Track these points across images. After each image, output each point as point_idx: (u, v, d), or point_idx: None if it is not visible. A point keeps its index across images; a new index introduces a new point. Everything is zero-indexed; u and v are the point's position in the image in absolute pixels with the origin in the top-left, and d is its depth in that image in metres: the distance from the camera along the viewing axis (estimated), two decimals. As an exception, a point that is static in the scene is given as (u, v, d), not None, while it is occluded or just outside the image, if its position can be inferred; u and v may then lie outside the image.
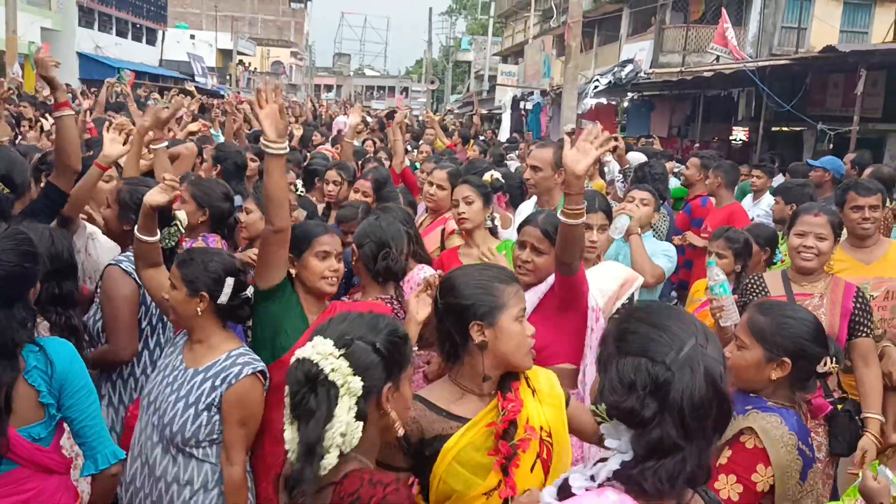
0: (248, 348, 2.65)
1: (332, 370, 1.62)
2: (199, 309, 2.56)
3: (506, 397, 2.08)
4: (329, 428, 1.60)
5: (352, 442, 1.62)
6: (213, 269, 2.58)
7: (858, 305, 3.39)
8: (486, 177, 4.98)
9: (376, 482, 1.61)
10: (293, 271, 2.72)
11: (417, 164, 8.33)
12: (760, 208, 7.09)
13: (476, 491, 2.03)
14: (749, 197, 7.41)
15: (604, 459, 1.50)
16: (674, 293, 5.37)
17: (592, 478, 1.48)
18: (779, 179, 9.05)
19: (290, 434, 1.66)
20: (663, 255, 4.29)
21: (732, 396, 2.38)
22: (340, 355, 1.65)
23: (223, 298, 2.58)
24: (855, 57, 10.72)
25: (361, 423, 1.63)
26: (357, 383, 1.63)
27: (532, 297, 2.90)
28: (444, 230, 4.43)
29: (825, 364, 2.44)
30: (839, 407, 3.22)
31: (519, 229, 3.20)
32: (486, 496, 2.04)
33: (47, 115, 10.84)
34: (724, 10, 16.48)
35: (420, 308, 2.53)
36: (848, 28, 19.21)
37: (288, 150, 2.48)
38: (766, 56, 17.52)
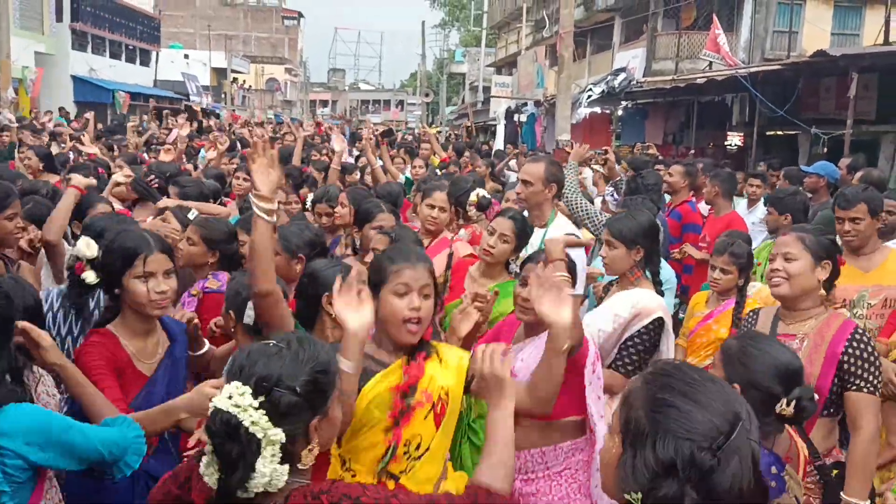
0: None
1: (252, 423, 1.56)
2: (231, 326, 2.85)
3: (410, 364, 2.33)
4: (252, 479, 1.56)
5: (278, 484, 1.58)
6: (243, 293, 2.78)
7: (852, 351, 2.79)
8: (473, 196, 4.93)
9: (317, 493, 1.61)
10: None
11: (410, 177, 8.25)
12: (756, 216, 7.07)
13: (381, 426, 2.29)
14: (743, 204, 7.38)
15: None
16: (676, 299, 5.34)
17: None
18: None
19: (208, 467, 1.62)
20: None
21: None
22: (259, 405, 1.57)
23: (246, 320, 2.77)
24: (845, 61, 10.71)
25: (287, 465, 1.60)
26: (277, 434, 1.57)
27: (534, 352, 2.77)
28: (451, 255, 4.29)
29: (781, 405, 2.31)
30: (834, 472, 2.73)
31: (521, 266, 3.13)
32: (385, 432, 2.30)
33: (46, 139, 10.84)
34: (715, 17, 16.53)
35: (463, 323, 2.70)
36: (839, 31, 19.29)
37: (276, 210, 2.51)
38: (758, 60, 17.56)
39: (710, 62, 16.24)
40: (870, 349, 2.83)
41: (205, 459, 1.63)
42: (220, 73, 47.06)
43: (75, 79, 29.78)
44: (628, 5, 22.63)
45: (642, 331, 3.23)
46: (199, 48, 48.96)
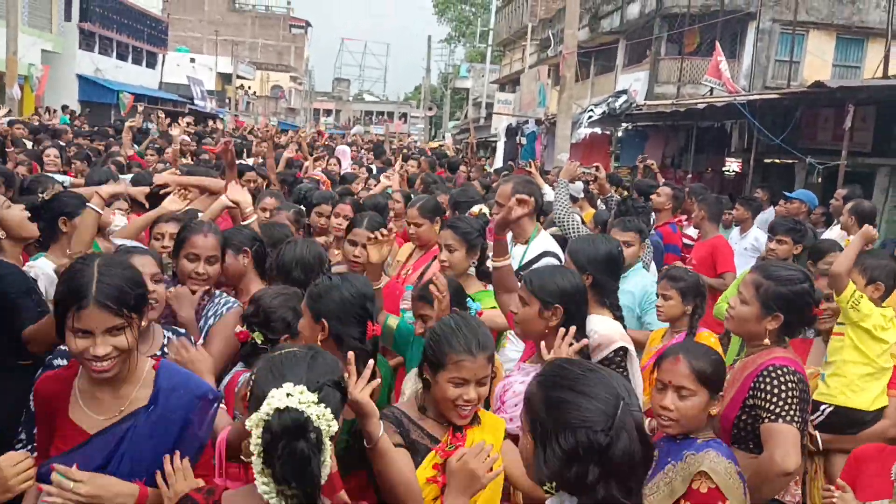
0: None
1: (318, 417, 1.69)
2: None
3: (455, 436, 2.35)
4: (322, 470, 1.69)
5: (327, 473, 1.72)
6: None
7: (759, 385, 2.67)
8: (475, 209, 5.01)
9: None
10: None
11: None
12: (747, 242, 7.12)
13: (430, 496, 2.30)
14: (736, 230, 7.44)
15: None
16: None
17: None
18: (769, 213, 9.11)
19: (267, 483, 1.69)
20: (655, 311, 4.04)
21: (664, 447, 2.46)
22: (319, 401, 1.70)
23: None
24: (843, 92, 10.78)
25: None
26: (335, 425, 1.72)
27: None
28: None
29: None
30: None
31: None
32: (434, 501, 2.30)
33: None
34: (717, 43, 16.64)
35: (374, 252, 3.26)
36: (841, 62, 19.43)
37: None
38: (760, 88, 17.66)
39: (712, 88, 16.33)
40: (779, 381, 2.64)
41: (261, 482, 1.70)
42: (225, 78, 47.23)
43: (81, 78, 29.88)
44: (632, 28, 22.77)
45: (605, 362, 2.91)
46: (205, 53, 49.14)
